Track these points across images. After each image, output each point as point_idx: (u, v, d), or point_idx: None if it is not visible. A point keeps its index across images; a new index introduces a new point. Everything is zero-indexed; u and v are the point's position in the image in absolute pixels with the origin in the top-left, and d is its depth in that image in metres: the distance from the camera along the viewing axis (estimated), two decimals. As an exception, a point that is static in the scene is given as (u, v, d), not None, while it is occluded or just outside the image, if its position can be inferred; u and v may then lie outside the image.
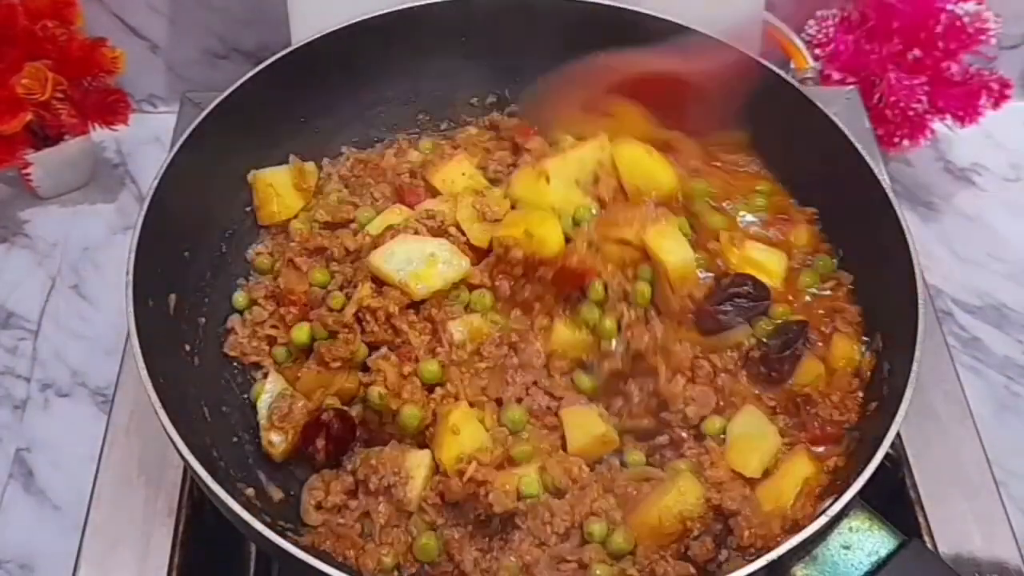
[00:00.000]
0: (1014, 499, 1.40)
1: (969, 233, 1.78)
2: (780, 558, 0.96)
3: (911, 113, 1.72)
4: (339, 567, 0.96)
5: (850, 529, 1.02)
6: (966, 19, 1.70)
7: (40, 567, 1.39)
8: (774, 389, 1.19)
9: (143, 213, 1.17)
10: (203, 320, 1.27)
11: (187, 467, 1.06)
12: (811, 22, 1.78)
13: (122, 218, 1.77)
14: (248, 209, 1.37)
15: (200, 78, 1.84)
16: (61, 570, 1.18)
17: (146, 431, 1.23)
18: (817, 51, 1.77)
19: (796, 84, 1.34)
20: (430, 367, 1.16)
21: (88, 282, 1.69)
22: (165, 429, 1.02)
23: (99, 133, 1.74)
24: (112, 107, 1.70)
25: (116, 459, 1.23)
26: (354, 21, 1.38)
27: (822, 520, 0.98)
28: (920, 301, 1.11)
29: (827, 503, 1.01)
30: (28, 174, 1.72)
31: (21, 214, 1.77)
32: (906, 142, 1.77)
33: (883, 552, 1.01)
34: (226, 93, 1.30)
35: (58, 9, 1.62)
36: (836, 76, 1.75)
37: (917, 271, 1.14)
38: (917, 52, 1.72)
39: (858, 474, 1.00)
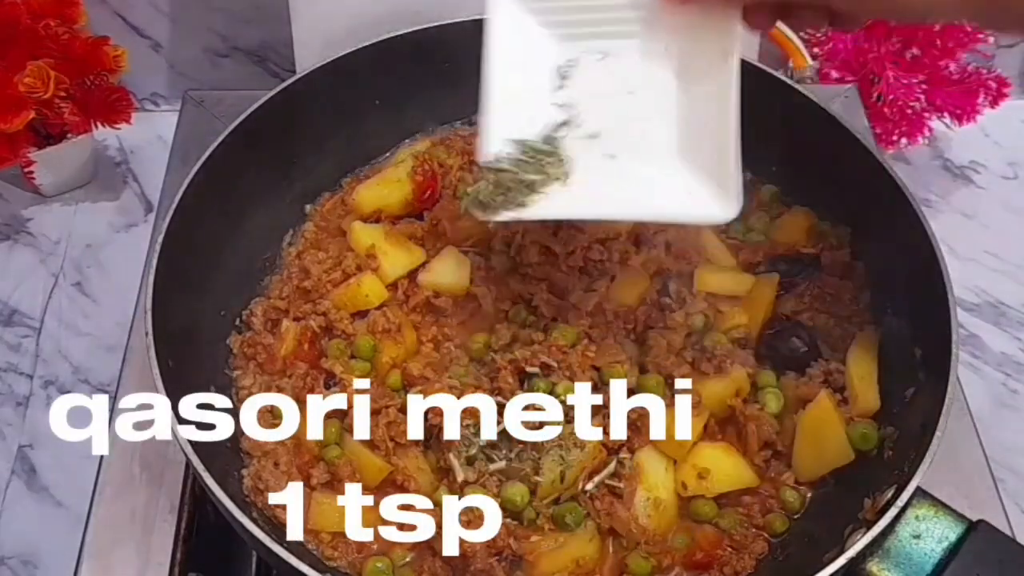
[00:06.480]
0: (1012, 496, 1.40)
1: (967, 231, 1.78)
2: (853, 558, 0.95)
3: (909, 111, 1.73)
4: (329, 571, 0.97)
5: (916, 518, 1.01)
6: (964, 18, 1.70)
7: (43, 564, 1.40)
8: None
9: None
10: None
11: (188, 462, 1.06)
12: (810, 21, 1.78)
13: (124, 216, 1.78)
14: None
15: (202, 77, 1.84)
16: (64, 567, 1.19)
17: (148, 428, 1.23)
18: (816, 50, 1.76)
19: (793, 84, 1.34)
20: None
21: (90, 279, 1.70)
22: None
23: (101, 131, 1.74)
24: (115, 106, 1.70)
25: (118, 456, 1.23)
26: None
27: (892, 513, 0.97)
28: (945, 278, 1.11)
29: (888, 493, 1.00)
30: (31, 172, 1.72)
31: (24, 212, 1.78)
32: (904, 140, 1.78)
33: (952, 537, 1.00)
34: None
35: (61, 8, 1.62)
36: (835, 75, 1.75)
37: (936, 246, 1.15)
38: (915, 51, 1.73)
39: (918, 462, 0.99)
